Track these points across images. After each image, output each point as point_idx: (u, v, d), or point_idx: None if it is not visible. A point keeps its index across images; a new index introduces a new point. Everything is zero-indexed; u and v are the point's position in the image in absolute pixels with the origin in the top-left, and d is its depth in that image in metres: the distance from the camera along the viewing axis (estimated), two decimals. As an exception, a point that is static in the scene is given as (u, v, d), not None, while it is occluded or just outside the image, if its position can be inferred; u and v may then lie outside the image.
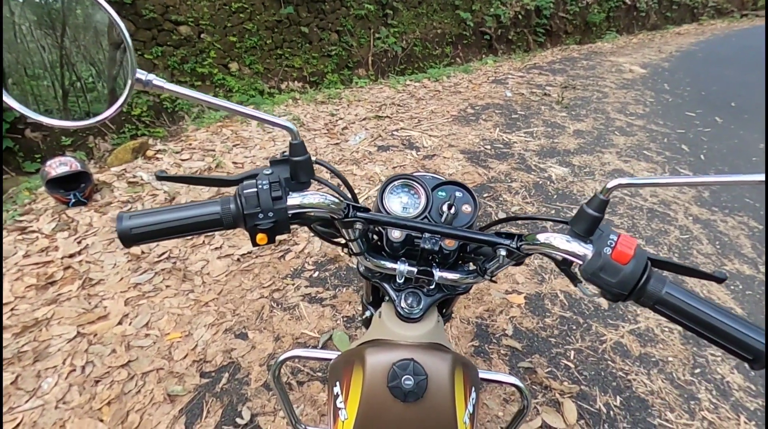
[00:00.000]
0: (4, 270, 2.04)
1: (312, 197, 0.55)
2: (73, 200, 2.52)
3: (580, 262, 0.51)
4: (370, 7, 6.43)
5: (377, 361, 0.57)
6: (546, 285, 2.19)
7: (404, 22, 7.02)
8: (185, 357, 1.72)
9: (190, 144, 3.49)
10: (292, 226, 0.56)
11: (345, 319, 1.94)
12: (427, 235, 0.63)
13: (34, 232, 2.34)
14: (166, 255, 2.24)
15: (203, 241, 2.35)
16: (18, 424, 1.45)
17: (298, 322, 1.91)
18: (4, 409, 1.48)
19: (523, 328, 1.94)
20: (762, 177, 0.43)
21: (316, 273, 2.20)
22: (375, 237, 0.72)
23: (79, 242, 2.28)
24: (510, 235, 0.60)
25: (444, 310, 0.82)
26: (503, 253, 0.59)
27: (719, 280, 0.49)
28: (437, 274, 0.64)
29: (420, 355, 0.57)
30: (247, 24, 5.38)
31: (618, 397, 1.67)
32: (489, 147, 3.75)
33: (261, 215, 0.52)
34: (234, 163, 3.22)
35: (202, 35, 5.09)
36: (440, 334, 0.68)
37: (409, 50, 7.07)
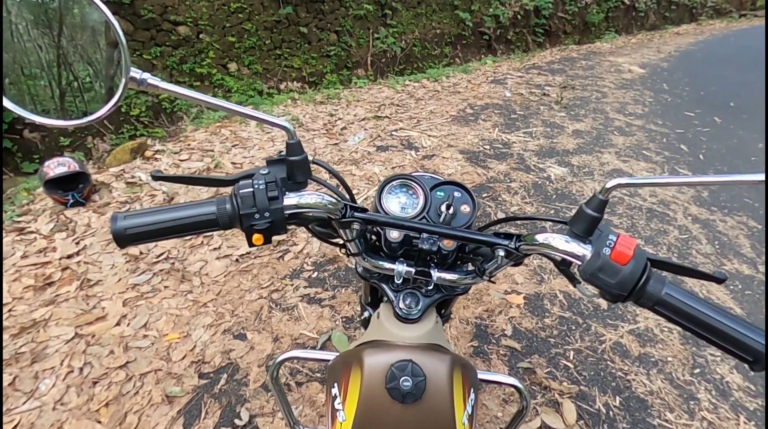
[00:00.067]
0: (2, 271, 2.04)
1: (309, 197, 0.55)
2: (72, 201, 2.51)
3: (579, 263, 0.50)
4: (369, 8, 6.43)
5: (375, 362, 0.57)
6: (545, 285, 2.19)
7: (403, 23, 7.02)
8: (183, 358, 1.72)
9: (189, 144, 3.49)
10: (289, 227, 0.56)
11: (344, 319, 1.93)
12: (425, 235, 0.62)
13: (32, 232, 2.33)
14: (164, 255, 2.24)
15: (202, 242, 2.35)
16: (16, 426, 1.45)
17: (296, 323, 1.90)
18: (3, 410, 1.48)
19: (523, 329, 1.94)
20: (761, 177, 0.43)
21: (315, 273, 2.19)
22: (373, 237, 0.72)
23: (77, 243, 2.27)
24: (508, 236, 0.60)
25: (443, 311, 0.82)
26: (502, 253, 0.59)
27: (719, 281, 0.49)
28: (435, 274, 0.64)
29: (418, 356, 0.57)
30: (246, 24, 5.38)
31: (617, 398, 1.67)
32: (488, 147, 3.75)
33: (257, 215, 0.51)
34: (233, 163, 3.21)
35: (200, 35, 5.08)
36: (439, 335, 0.67)
37: (408, 50, 7.07)
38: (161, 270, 2.14)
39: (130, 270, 2.13)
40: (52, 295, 1.94)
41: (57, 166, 2.47)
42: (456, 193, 0.71)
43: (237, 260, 2.25)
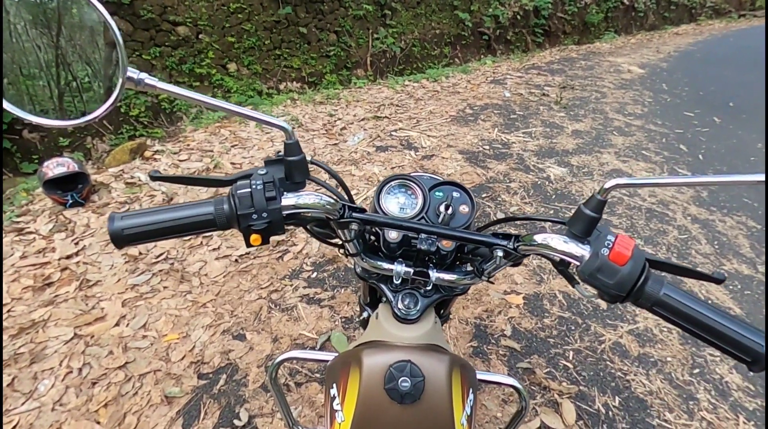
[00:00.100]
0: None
1: (307, 198, 0.55)
2: (71, 201, 2.51)
3: (578, 263, 0.50)
4: (368, 8, 6.43)
5: (374, 362, 0.57)
6: (545, 285, 2.19)
7: (403, 23, 7.02)
8: (183, 358, 1.71)
9: (188, 145, 3.48)
10: (287, 227, 0.56)
11: (343, 319, 1.93)
12: (423, 235, 0.62)
13: (31, 233, 2.33)
14: (163, 256, 2.23)
15: (201, 242, 2.35)
16: (14, 427, 1.44)
17: (296, 323, 1.90)
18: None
19: (522, 329, 1.94)
20: (761, 177, 0.42)
21: (315, 274, 2.19)
22: (372, 238, 0.72)
23: (76, 243, 2.27)
24: (507, 236, 0.60)
25: (442, 311, 0.81)
26: (500, 253, 0.59)
27: (718, 281, 0.49)
28: (434, 275, 0.63)
29: (417, 357, 0.57)
30: (246, 24, 5.37)
31: (617, 398, 1.67)
32: (487, 147, 3.75)
33: (255, 216, 0.51)
34: (232, 163, 3.21)
35: (200, 36, 5.08)
36: (438, 336, 0.67)
37: (408, 51, 7.07)
38: (160, 270, 2.14)
39: (130, 270, 2.12)
40: (51, 296, 1.94)
41: (56, 167, 2.47)
42: (455, 194, 0.70)
43: (236, 261, 2.24)
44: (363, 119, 4.24)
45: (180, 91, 0.50)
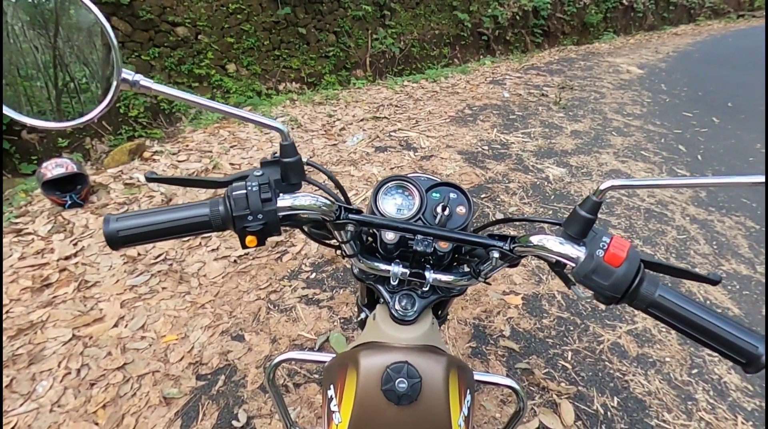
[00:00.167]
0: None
1: (303, 199, 0.55)
2: (69, 202, 2.51)
3: (573, 265, 0.50)
4: (367, 8, 6.43)
5: (371, 363, 0.57)
6: (543, 285, 2.19)
7: (402, 23, 7.02)
8: (181, 359, 1.71)
9: (187, 145, 3.48)
10: (283, 229, 0.56)
11: (342, 320, 1.93)
12: (419, 237, 0.62)
13: (29, 234, 2.33)
14: (162, 257, 2.23)
15: (200, 243, 2.34)
16: (13, 428, 1.44)
17: (294, 324, 1.90)
18: (-1, 413, 1.47)
19: (521, 329, 1.94)
20: (761, 178, 0.42)
21: (313, 274, 2.19)
22: (369, 239, 0.72)
23: (75, 244, 2.27)
24: (503, 237, 0.60)
25: (439, 312, 0.82)
26: (496, 255, 0.59)
27: (713, 282, 0.49)
28: (430, 276, 0.63)
29: (414, 358, 0.57)
30: (245, 25, 5.38)
31: (615, 398, 1.67)
32: (486, 148, 3.76)
33: (250, 217, 0.51)
34: (231, 164, 3.21)
35: (199, 36, 5.08)
36: (435, 337, 0.67)
37: (407, 51, 7.08)
38: (159, 271, 2.14)
39: (128, 271, 2.12)
40: (50, 297, 1.94)
41: (55, 168, 2.46)
42: (452, 195, 0.70)
43: (235, 261, 2.24)
44: (362, 120, 4.24)
45: (175, 93, 0.50)
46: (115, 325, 1.84)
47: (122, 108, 4.47)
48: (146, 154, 3.24)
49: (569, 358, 1.82)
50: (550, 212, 2.86)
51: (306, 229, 0.67)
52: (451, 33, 7.72)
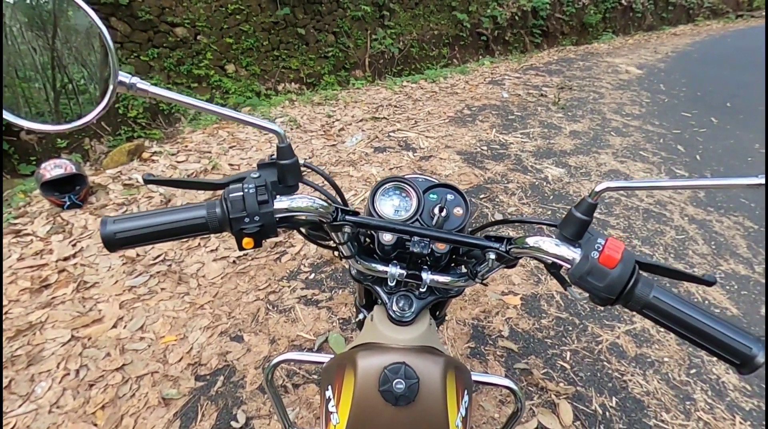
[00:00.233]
0: (-3, 273, 2.03)
1: (299, 201, 0.55)
2: (68, 203, 2.51)
3: (569, 266, 0.51)
4: (366, 9, 6.43)
5: (368, 364, 0.57)
6: (542, 286, 2.20)
7: (401, 24, 7.03)
8: (180, 360, 1.71)
9: (186, 146, 3.48)
10: (280, 230, 0.56)
11: (341, 321, 1.93)
12: (416, 238, 0.62)
13: (28, 234, 2.33)
14: (161, 257, 2.23)
15: (199, 244, 2.34)
16: (11, 429, 1.45)
17: (293, 325, 1.90)
18: (-3, 414, 1.47)
19: (519, 330, 1.94)
20: (760, 180, 0.42)
21: (312, 275, 2.19)
22: (367, 240, 0.72)
23: (73, 245, 2.27)
24: (499, 239, 0.60)
25: (437, 313, 0.82)
26: (493, 256, 0.59)
27: (708, 284, 0.49)
28: (427, 277, 0.64)
29: (411, 359, 0.57)
30: (244, 25, 5.37)
31: (614, 398, 1.67)
32: (485, 148, 3.76)
33: (247, 219, 0.51)
34: (230, 164, 3.21)
35: (198, 37, 5.08)
36: (433, 337, 0.67)
37: (406, 51, 7.08)
38: (158, 272, 2.14)
39: (127, 272, 2.12)
40: (49, 298, 1.94)
41: (54, 168, 2.46)
42: (449, 196, 0.71)
43: (234, 262, 2.25)
44: (361, 120, 4.24)
45: (171, 95, 0.50)
46: (114, 326, 1.84)
47: (121, 109, 4.47)
48: (145, 155, 3.24)
49: (568, 359, 1.82)
50: (549, 213, 2.86)
51: (303, 230, 0.67)
52: (450, 33, 7.72)
